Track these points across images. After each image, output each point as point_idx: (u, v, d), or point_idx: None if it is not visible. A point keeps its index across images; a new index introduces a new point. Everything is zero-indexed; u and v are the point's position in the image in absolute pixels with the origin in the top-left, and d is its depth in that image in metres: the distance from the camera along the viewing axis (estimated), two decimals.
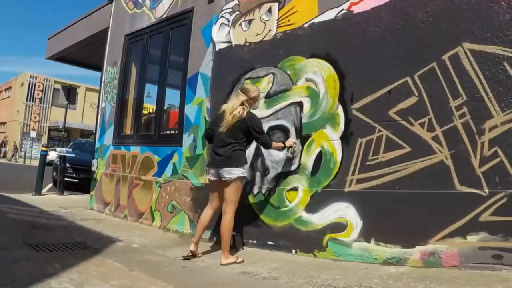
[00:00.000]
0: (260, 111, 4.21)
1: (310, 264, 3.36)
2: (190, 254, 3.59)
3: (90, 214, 6.14)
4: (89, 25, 7.95)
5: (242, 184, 3.58)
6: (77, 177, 9.67)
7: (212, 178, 3.64)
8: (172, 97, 6.16)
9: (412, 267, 3.01)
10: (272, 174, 4.03)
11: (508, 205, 2.73)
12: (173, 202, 5.03)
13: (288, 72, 4.04)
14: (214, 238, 4.41)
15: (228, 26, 4.74)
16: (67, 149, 11.86)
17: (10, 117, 33.49)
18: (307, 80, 3.87)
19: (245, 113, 3.52)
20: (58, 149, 12.28)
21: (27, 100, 32.49)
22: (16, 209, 5.57)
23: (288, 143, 3.78)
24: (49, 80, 33.37)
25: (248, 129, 3.53)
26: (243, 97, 3.58)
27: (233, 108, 3.53)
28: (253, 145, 4.19)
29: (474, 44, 2.96)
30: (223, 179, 3.51)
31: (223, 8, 4.83)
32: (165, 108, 5.99)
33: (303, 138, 3.84)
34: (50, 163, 11.09)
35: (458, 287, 2.54)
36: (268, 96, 4.18)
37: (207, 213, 3.71)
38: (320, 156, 3.70)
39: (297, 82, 3.96)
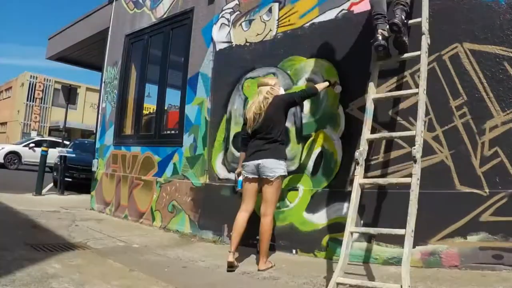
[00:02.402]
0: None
1: (310, 264, 3.36)
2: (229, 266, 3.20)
3: (90, 214, 6.14)
4: (89, 25, 7.95)
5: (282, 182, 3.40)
6: (77, 177, 9.64)
7: (250, 176, 3.35)
8: (172, 97, 6.16)
9: (413, 267, 2.99)
10: None
11: (508, 205, 2.73)
12: (174, 202, 5.03)
13: (289, 72, 4.04)
14: (215, 238, 4.42)
15: (229, 26, 4.74)
16: (67, 149, 11.85)
17: (11, 117, 33.49)
18: (308, 80, 3.87)
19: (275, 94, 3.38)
20: (58, 148, 12.27)
21: (27, 100, 32.48)
22: (17, 209, 5.58)
23: (332, 80, 3.59)
24: (50, 80, 33.37)
25: (288, 105, 3.38)
26: (266, 89, 3.41)
27: (261, 101, 3.35)
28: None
29: (474, 44, 2.96)
30: (264, 177, 3.24)
31: (224, 8, 4.83)
32: (166, 108, 5.99)
33: (304, 138, 3.84)
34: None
35: (458, 287, 2.54)
36: None
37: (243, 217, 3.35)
38: (320, 156, 3.70)
39: (297, 82, 3.96)
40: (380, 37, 2.98)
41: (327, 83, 3.56)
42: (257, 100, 3.39)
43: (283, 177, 3.35)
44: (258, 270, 3.18)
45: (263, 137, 3.31)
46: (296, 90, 3.66)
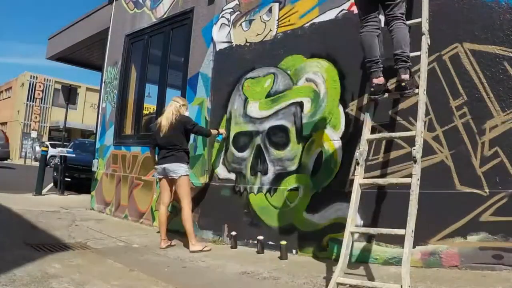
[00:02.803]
0: (261, 111, 4.21)
1: (310, 264, 3.36)
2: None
3: (90, 214, 6.14)
4: (89, 25, 7.96)
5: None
6: (77, 177, 9.63)
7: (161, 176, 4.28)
8: (172, 97, 6.15)
9: (413, 267, 2.99)
10: (272, 174, 4.03)
11: (508, 205, 2.73)
12: (174, 202, 5.02)
13: (289, 72, 4.04)
14: (215, 238, 4.42)
15: (229, 26, 4.74)
16: (67, 149, 11.85)
17: (11, 117, 33.48)
18: (308, 80, 3.87)
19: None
20: (58, 149, 12.27)
21: (27, 100, 32.47)
22: (17, 209, 5.58)
23: (221, 130, 4.45)
24: (50, 80, 33.36)
25: (185, 130, 4.17)
26: (176, 105, 4.23)
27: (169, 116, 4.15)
28: (253, 146, 4.19)
29: (474, 44, 2.96)
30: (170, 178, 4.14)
31: (224, 8, 4.83)
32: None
33: (304, 138, 3.84)
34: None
35: (458, 287, 2.54)
36: (268, 96, 4.18)
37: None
38: (320, 156, 3.70)
39: (297, 82, 3.96)
40: (375, 89, 2.97)
41: (216, 131, 4.42)
42: (166, 114, 4.18)
43: (187, 176, 4.10)
44: (190, 251, 3.83)
45: (168, 147, 4.13)
46: (195, 124, 4.30)
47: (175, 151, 4.08)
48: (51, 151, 15.96)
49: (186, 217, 3.98)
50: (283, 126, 4.01)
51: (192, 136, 4.92)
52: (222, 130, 4.47)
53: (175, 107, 4.20)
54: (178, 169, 4.03)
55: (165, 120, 4.12)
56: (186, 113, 4.35)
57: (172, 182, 4.14)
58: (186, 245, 4.02)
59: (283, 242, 3.59)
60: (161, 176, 4.17)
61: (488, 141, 2.86)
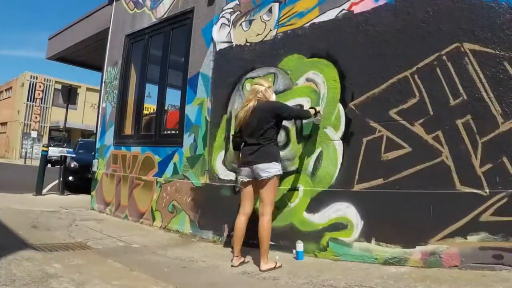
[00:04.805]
0: None
1: (310, 264, 3.36)
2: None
3: (90, 214, 6.14)
4: (89, 26, 7.96)
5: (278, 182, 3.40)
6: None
7: (246, 180, 3.42)
8: (172, 97, 6.17)
9: (413, 267, 3.01)
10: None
11: (508, 205, 2.73)
12: (174, 202, 5.03)
13: (289, 72, 4.04)
14: (215, 238, 4.42)
15: (229, 26, 4.74)
16: (69, 149, 11.84)
17: (11, 117, 33.50)
18: (308, 80, 3.87)
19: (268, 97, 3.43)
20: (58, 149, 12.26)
21: (27, 100, 32.48)
22: (17, 209, 5.58)
23: (318, 108, 3.67)
24: (50, 80, 33.38)
25: (276, 115, 3.37)
26: (259, 88, 3.44)
27: (251, 105, 3.38)
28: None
29: (474, 44, 2.96)
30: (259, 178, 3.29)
31: (224, 8, 4.83)
32: (166, 108, 5.99)
33: (304, 138, 3.84)
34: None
35: (458, 287, 2.54)
36: None
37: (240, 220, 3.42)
38: (320, 156, 3.70)
39: (297, 82, 3.96)
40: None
41: (313, 110, 3.63)
42: (248, 102, 3.42)
43: (278, 176, 3.35)
44: (260, 270, 3.19)
45: (253, 141, 3.35)
46: (294, 107, 3.66)
47: (264, 147, 3.31)
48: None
49: (266, 229, 3.25)
50: (283, 126, 4.00)
51: (192, 136, 4.93)
52: (318, 107, 3.69)
53: (259, 92, 3.42)
54: (271, 167, 3.26)
55: (248, 111, 3.36)
56: (273, 97, 3.56)
57: (258, 185, 3.36)
58: (256, 261, 3.42)
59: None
60: (247, 180, 3.40)
61: (488, 141, 2.86)
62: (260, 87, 3.44)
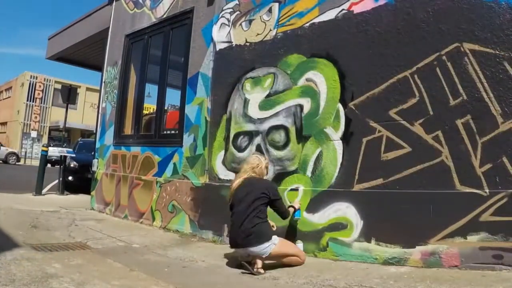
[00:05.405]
0: (261, 111, 4.21)
1: (310, 264, 3.36)
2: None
3: (90, 214, 6.14)
4: (89, 25, 7.96)
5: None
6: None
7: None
8: (172, 97, 6.16)
9: (413, 267, 3.01)
10: (272, 174, 4.02)
11: (508, 205, 2.73)
12: (174, 202, 5.03)
13: (289, 72, 4.04)
14: (215, 238, 4.42)
15: (229, 26, 4.74)
16: (68, 149, 11.84)
17: (11, 117, 33.48)
18: (308, 80, 3.87)
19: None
20: (58, 148, 12.27)
21: (27, 100, 32.46)
22: (17, 209, 5.58)
23: (297, 205, 3.63)
24: (50, 80, 33.36)
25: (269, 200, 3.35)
26: (252, 165, 3.48)
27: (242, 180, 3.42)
28: (253, 145, 4.20)
29: (474, 44, 2.96)
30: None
31: (224, 8, 4.83)
32: (166, 108, 5.99)
33: (304, 138, 3.84)
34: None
35: (458, 287, 2.54)
36: (268, 96, 4.18)
37: None
38: (320, 156, 3.70)
39: (297, 82, 3.96)
40: None
41: (292, 209, 3.59)
42: (239, 178, 3.45)
43: (277, 241, 3.26)
44: (258, 269, 3.14)
45: (243, 217, 3.25)
46: (279, 199, 3.46)
47: (256, 226, 3.21)
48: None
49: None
50: (283, 126, 4.01)
51: (192, 135, 4.94)
52: (297, 204, 3.64)
53: (255, 167, 3.48)
54: (265, 248, 3.18)
55: (242, 182, 3.40)
56: (267, 176, 3.68)
57: None
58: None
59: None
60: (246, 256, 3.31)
61: (488, 141, 2.86)
62: (258, 162, 3.49)
